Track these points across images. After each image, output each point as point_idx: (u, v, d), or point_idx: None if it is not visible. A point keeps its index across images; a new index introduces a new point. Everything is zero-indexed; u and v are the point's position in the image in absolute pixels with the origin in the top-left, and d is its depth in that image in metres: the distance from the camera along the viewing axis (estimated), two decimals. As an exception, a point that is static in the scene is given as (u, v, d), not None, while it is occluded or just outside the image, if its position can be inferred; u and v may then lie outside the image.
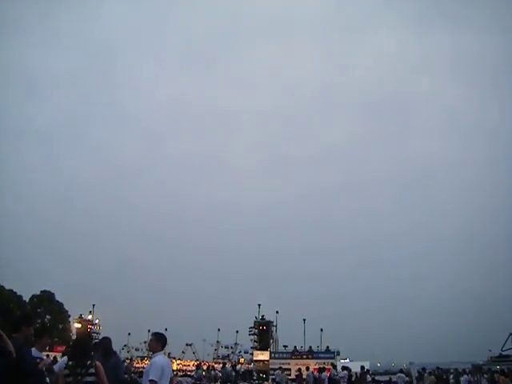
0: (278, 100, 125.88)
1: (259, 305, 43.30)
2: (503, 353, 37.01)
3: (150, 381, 5.45)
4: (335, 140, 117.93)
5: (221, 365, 42.98)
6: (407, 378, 24.60)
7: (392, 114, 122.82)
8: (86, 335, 6.59)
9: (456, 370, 29.33)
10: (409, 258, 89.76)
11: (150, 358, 6.64)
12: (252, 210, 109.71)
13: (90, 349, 5.42)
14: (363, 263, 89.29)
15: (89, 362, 5.03)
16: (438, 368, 27.23)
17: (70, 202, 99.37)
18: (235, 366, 33.90)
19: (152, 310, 63.99)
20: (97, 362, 5.13)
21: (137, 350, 50.05)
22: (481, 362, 35.98)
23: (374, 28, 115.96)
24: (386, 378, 33.26)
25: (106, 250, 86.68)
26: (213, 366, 31.74)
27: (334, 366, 26.89)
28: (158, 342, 5.99)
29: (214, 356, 49.06)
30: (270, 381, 31.96)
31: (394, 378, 27.75)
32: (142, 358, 44.44)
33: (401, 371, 27.21)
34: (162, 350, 6.09)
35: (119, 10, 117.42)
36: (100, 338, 9.81)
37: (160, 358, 5.83)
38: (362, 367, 25.64)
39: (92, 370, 4.97)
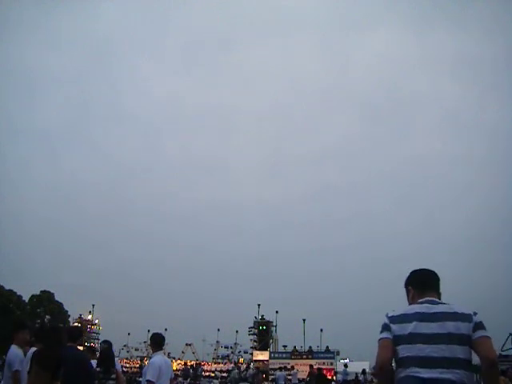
0: (277, 100, 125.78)
1: (259, 305, 43.32)
2: (503, 353, 37.04)
3: (147, 381, 5.46)
4: (335, 140, 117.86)
5: (221, 365, 43.12)
6: None
7: (392, 114, 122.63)
8: (109, 348, 7.12)
9: None
10: (408, 257, 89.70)
11: (150, 357, 6.68)
12: (252, 209, 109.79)
13: (113, 358, 6.47)
14: (363, 263, 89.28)
15: (112, 369, 6.11)
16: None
17: (70, 202, 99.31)
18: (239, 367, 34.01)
19: (152, 310, 63.94)
20: (118, 370, 6.25)
21: (136, 349, 50.06)
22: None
23: (374, 28, 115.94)
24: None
25: (106, 249, 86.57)
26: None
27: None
28: (153, 342, 6.03)
29: (213, 356, 49.10)
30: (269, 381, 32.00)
31: None
32: (142, 358, 44.46)
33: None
34: (161, 349, 6.11)
35: (119, 10, 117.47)
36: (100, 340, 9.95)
37: (158, 357, 5.83)
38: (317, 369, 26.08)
39: (113, 376, 6.01)
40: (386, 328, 2.58)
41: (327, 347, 37.87)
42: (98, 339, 49.40)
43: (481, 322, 2.51)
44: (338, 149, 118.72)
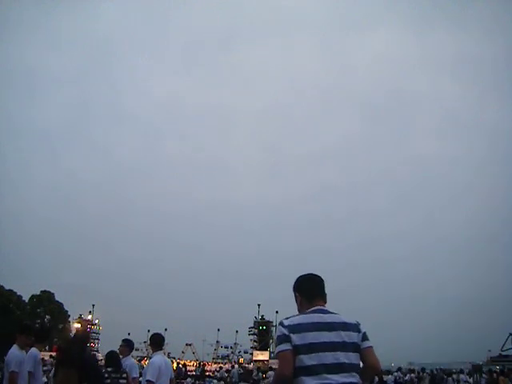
0: (277, 99, 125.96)
1: (259, 305, 43.27)
2: (503, 353, 37.10)
3: (147, 381, 5.45)
4: (335, 140, 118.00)
5: (221, 365, 43.08)
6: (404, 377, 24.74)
7: (392, 114, 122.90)
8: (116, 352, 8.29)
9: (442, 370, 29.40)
10: (408, 257, 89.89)
11: (150, 357, 6.68)
12: (252, 209, 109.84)
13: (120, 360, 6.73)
14: (363, 263, 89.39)
15: (122, 369, 6.35)
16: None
17: (70, 201, 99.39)
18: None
19: (152, 310, 63.99)
20: (127, 370, 6.50)
21: (136, 349, 49.88)
22: (480, 362, 36.05)
23: (374, 28, 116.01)
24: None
25: (106, 249, 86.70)
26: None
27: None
28: (153, 342, 6.03)
29: (213, 356, 49.09)
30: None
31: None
32: (142, 358, 44.43)
33: (399, 369, 27.29)
34: (160, 349, 6.10)
35: (119, 10, 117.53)
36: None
37: (158, 357, 5.83)
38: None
39: (124, 375, 6.27)
40: (285, 339, 2.64)
41: (327, 347, 37.86)
42: (98, 339, 49.40)
43: (365, 333, 2.82)
44: (338, 149, 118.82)
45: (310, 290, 2.91)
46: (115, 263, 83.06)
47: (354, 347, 2.69)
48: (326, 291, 3.00)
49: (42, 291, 51.21)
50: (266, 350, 39.93)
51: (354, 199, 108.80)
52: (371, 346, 2.77)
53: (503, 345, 37.12)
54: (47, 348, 30.55)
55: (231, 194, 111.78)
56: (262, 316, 43.51)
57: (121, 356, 6.63)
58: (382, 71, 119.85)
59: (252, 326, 43.58)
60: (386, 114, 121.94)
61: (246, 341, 45.54)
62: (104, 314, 52.81)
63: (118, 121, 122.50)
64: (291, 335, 2.62)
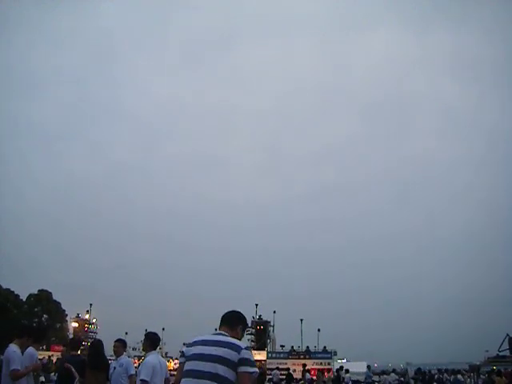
0: (277, 99, 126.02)
1: (256, 305, 43.31)
2: (500, 353, 37.13)
3: (141, 380, 5.45)
4: (335, 139, 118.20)
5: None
6: (399, 378, 24.73)
7: (392, 114, 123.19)
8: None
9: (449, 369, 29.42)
10: (408, 257, 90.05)
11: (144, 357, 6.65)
12: (251, 209, 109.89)
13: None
14: (362, 263, 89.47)
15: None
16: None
17: (69, 201, 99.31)
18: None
19: (149, 309, 64.00)
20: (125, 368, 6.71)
21: (134, 349, 49.86)
22: (478, 363, 36.10)
23: (374, 28, 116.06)
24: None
25: (105, 248, 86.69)
26: None
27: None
28: (147, 341, 6.02)
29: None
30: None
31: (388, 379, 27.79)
32: (139, 358, 44.41)
33: (393, 371, 27.28)
34: (155, 349, 6.09)
35: (119, 10, 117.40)
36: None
37: (152, 357, 5.81)
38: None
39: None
40: (182, 354, 3.38)
41: (324, 347, 37.87)
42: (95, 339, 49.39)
43: (247, 359, 3.18)
44: (338, 149, 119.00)
45: (221, 320, 3.56)
46: (113, 263, 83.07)
47: (222, 361, 3.11)
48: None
49: (39, 290, 51.12)
50: (264, 349, 39.93)
51: (353, 199, 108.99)
52: (246, 372, 3.11)
53: (500, 345, 37.15)
54: (44, 347, 30.51)
55: (231, 194, 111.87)
56: (260, 316, 43.54)
57: (115, 355, 6.58)
58: (381, 71, 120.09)
59: (249, 325, 43.59)
60: (386, 113, 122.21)
61: (244, 340, 45.32)
62: (101, 313, 52.86)
63: (118, 121, 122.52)
64: (184, 350, 3.35)
